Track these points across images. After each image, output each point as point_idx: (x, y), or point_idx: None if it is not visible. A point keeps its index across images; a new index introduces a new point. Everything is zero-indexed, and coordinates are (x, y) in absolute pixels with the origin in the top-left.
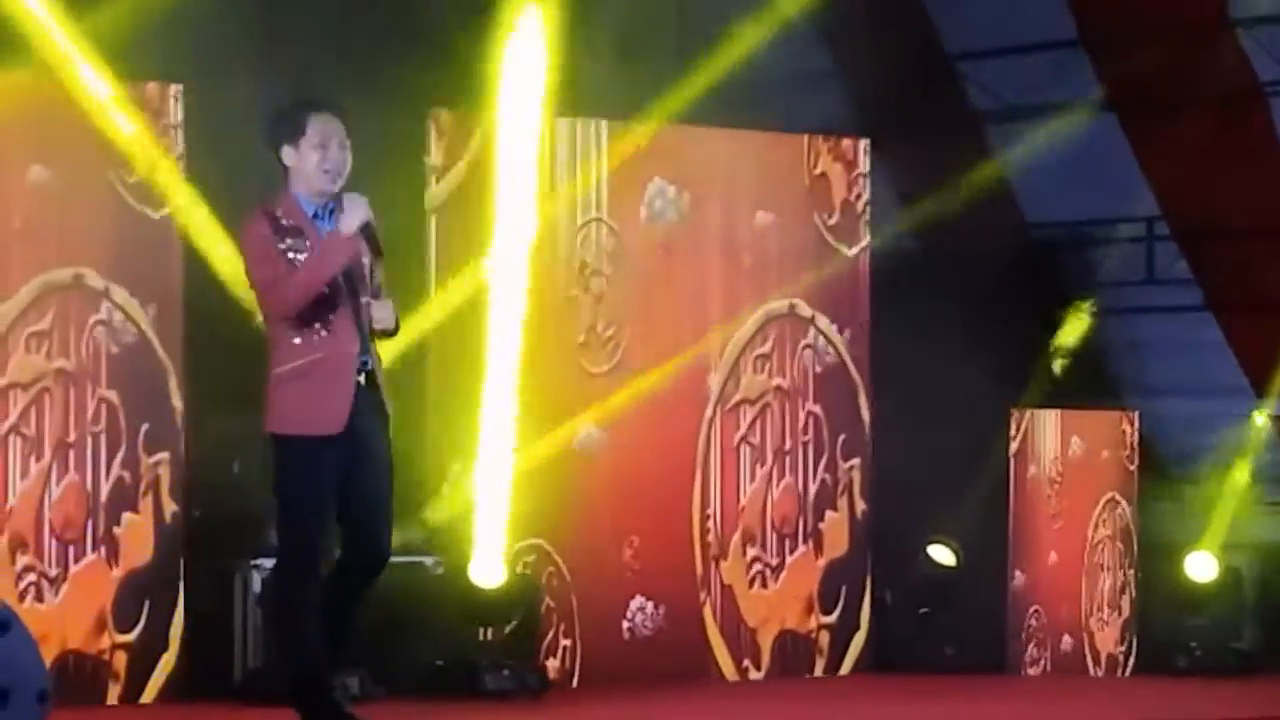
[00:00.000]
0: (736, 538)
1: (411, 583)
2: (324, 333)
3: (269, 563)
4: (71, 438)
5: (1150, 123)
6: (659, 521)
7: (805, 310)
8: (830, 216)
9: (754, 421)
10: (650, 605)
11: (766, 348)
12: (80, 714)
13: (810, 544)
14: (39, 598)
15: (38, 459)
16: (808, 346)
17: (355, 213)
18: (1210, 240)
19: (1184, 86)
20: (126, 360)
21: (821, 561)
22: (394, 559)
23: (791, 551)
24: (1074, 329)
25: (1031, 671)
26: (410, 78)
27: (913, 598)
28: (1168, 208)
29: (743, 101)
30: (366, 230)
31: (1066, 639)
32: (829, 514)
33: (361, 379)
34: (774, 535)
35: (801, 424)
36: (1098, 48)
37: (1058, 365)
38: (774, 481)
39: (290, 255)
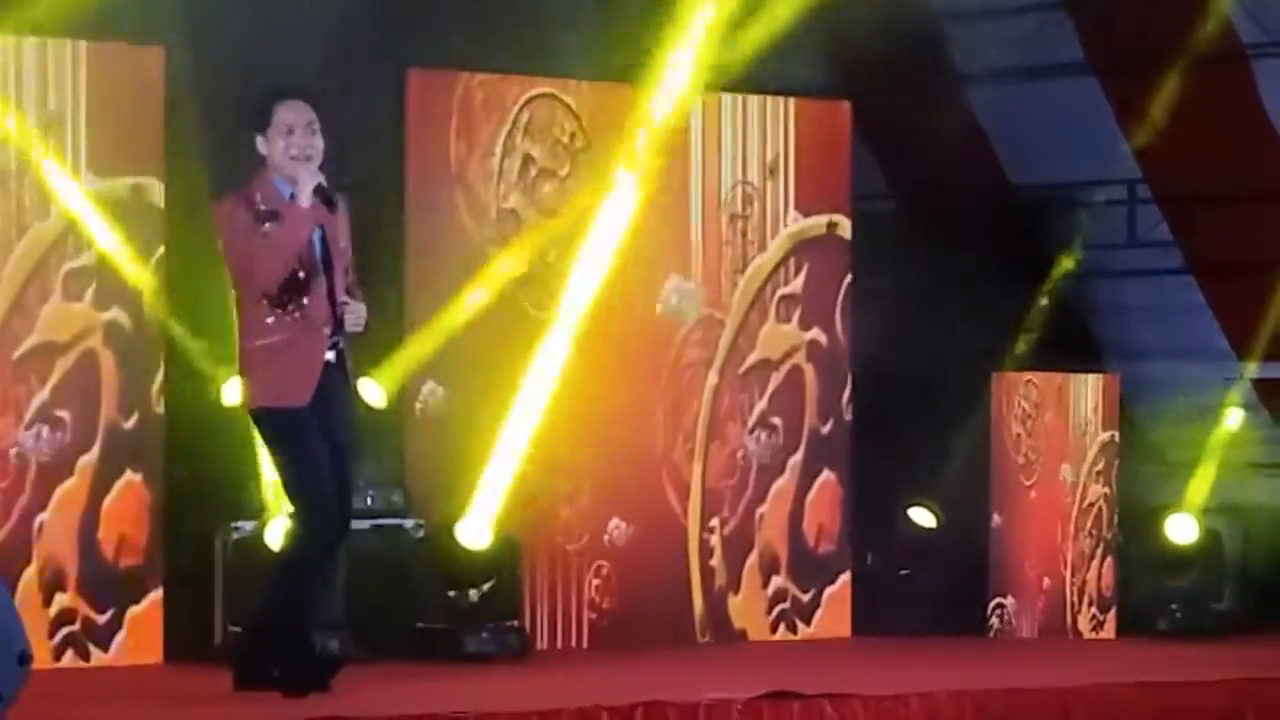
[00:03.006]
0: (752, 561)
1: (392, 545)
2: (297, 314)
3: (249, 525)
4: (130, 422)
5: (1132, 85)
6: (638, 538)
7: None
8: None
9: (778, 392)
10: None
11: (796, 285)
12: (60, 675)
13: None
14: (83, 654)
15: (82, 453)
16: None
17: (306, 181)
18: (1192, 203)
19: (1166, 49)
20: None
21: None
22: (376, 522)
23: (832, 581)
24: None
25: (1011, 633)
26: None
27: (893, 560)
28: (1149, 171)
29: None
30: (320, 192)
31: (1046, 602)
32: None
33: (332, 356)
34: (807, 557)
35: (847, 396)
36: (1080, 10)
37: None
38: (807, 479)
39: (268, 236)
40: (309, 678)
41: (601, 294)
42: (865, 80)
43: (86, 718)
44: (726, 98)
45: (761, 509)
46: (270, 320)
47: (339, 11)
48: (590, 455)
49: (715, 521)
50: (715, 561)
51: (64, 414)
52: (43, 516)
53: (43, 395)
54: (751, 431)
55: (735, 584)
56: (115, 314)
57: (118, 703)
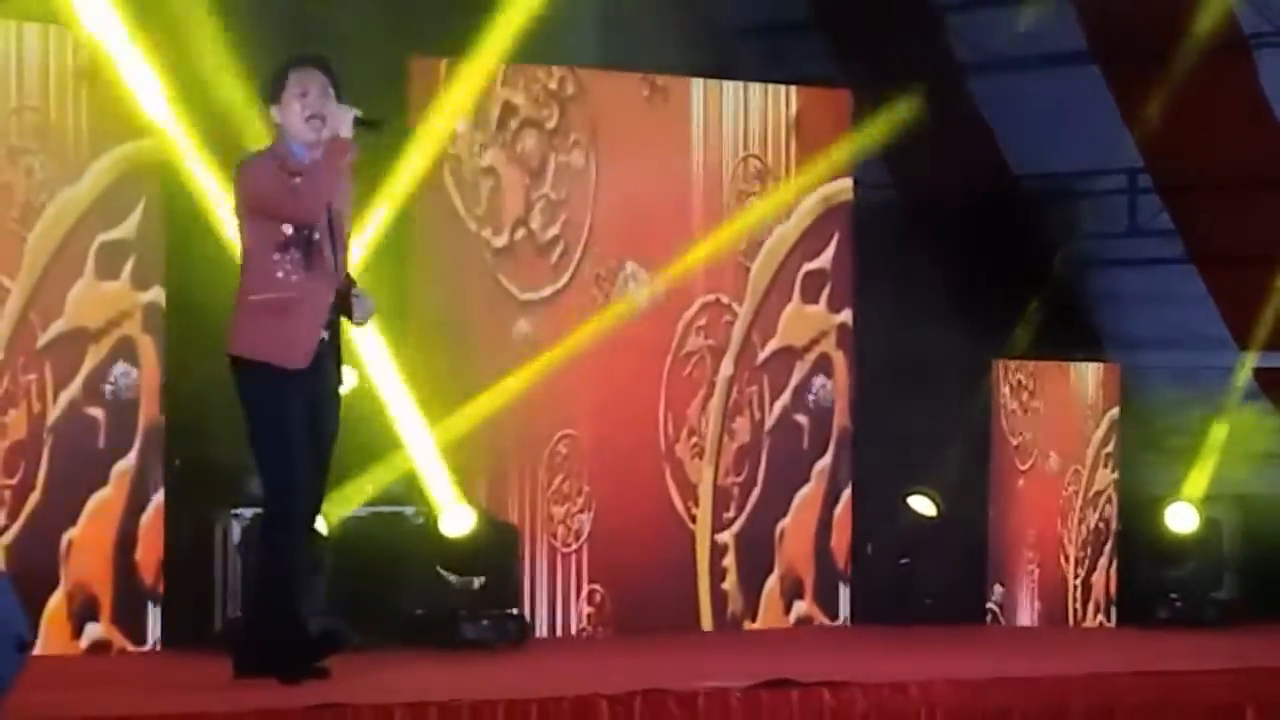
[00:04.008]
0: (772, 585)
1: (391, 532)
2: (305, 273)
3: (249, 512)
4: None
5: (1133, 74)
6: (638, 556)
7: None
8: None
9: (803, 385)
10: None
11: (824, 259)
12: (60, 662)
13: None
14: None
15: (117, 458)
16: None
17: (345, 114)
18: (1193, 192)
19: (1168, 39)
20: None
21: None
22: (374, 509)
23: None
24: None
25: (1010, 622)
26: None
27: (893, 548)
28: (1150, 160)
29: (721, 51)
30: (360, 123)
31: (1046, 591)
32: None
33: (326, 335)
34: (836, 580)
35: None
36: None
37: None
38: (835, 488)
39: (298, 188)
40: (305, 662)
41: (590, 275)
42: (867, 69)
43: (85, 704)
44: (728, 85)
45: (783, 522)
46: (279, 275)
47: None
48: (584, 449)
49: (728, 536)
50: (729, 584)
51: (96, 412)
52: (72, 533)
53: (72, 390)
54: (772, 431)
55: (752, 610)
56: (156, 294)
57: (117, 689)
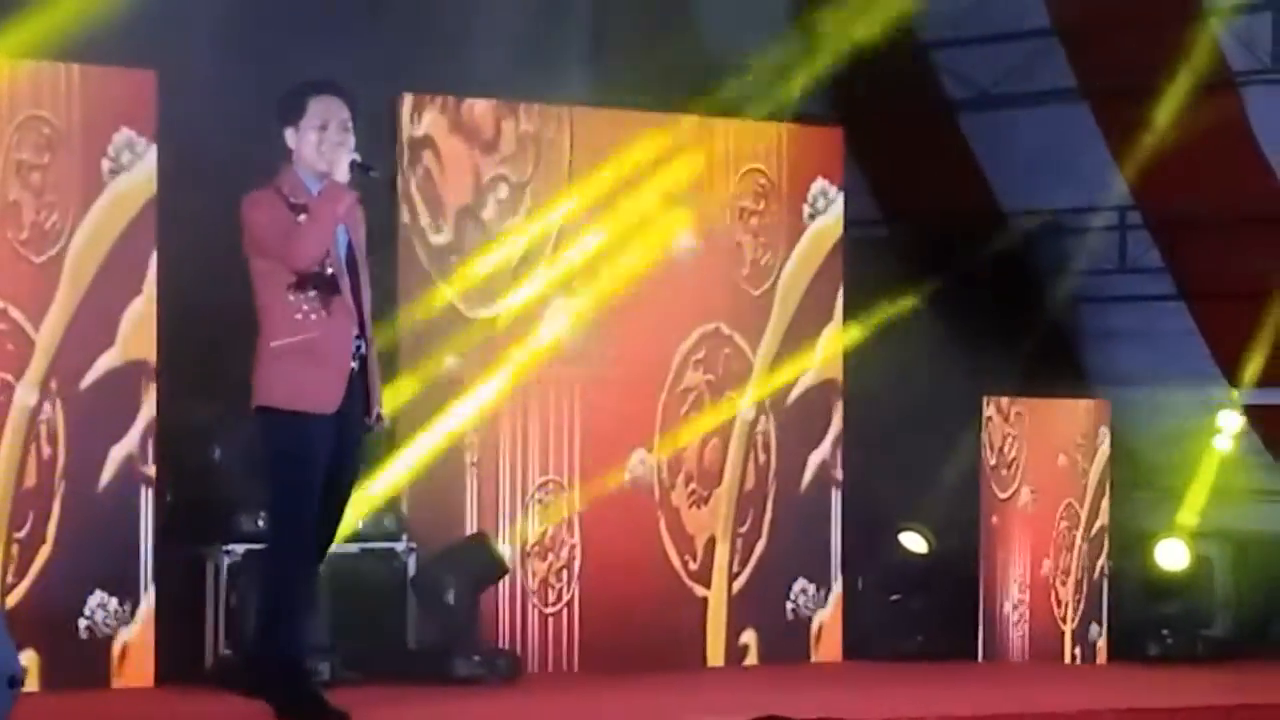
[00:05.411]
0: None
1: (383, 567)
2: (324, 312)
3: (241, 548)
4: None
5: (1123, 112)
6: (629, 616)
7: None
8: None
9: (843, 431)
10: None
11: None
12: (49, 700)
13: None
14: None
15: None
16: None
17: (341, 158)
18: (1182, 229)
19: (1157, 76)
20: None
21: None
22: (367, 544)
23: None
24: None
25: (1002, 658)
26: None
27: (884, 585)
28: (1140, 197)
29: (711, 87)
30: (355, 167)
31: (1037, 627)
32: None
33: (355, 365)
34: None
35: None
36: (1071, 37)
37: None
38: None
39: (301, 226)
40: (308, 712)
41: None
42: (858, 106)
43: None
44: (718, 122)
45: (821, 615)
46: (298, 317)
47: (332, 36)
48: (570, 493)
49: (750, 635)
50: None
51: (155, 472)
52: (125, 635)
53: (128, 444)
54: (805, 492)
55: None
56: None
57: None
